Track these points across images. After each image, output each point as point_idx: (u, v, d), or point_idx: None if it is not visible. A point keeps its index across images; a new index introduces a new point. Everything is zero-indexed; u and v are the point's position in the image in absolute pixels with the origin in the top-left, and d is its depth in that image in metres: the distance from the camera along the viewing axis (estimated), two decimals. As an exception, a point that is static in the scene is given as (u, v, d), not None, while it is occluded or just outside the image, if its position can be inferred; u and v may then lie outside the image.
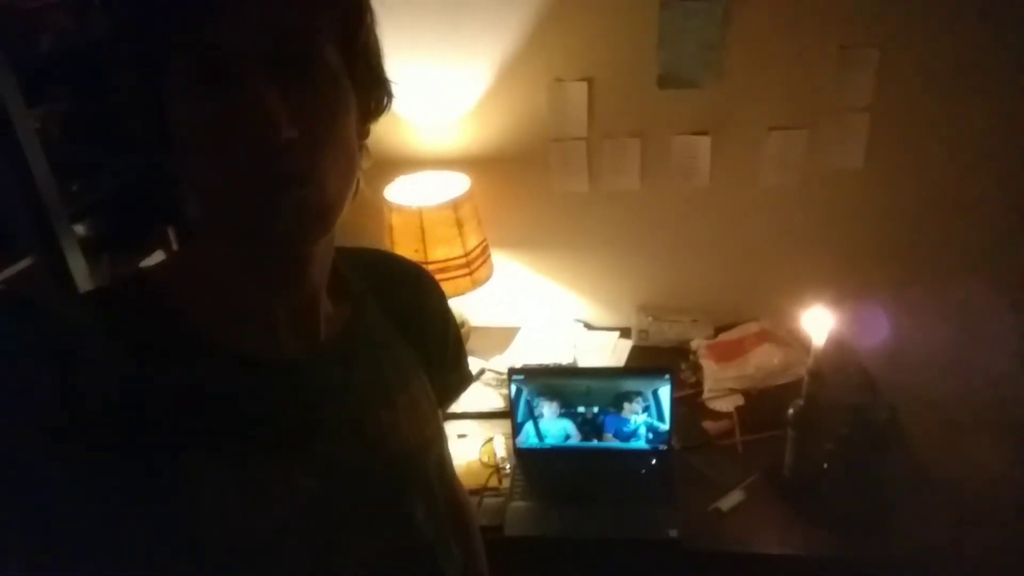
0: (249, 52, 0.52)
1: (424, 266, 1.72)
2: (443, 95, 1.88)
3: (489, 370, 1.90)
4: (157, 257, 1.89)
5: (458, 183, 1.85)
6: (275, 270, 0.63)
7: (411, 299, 0.82)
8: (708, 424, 1.64)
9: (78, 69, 0.55)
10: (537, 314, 2.10)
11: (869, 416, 1.39)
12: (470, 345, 2.01)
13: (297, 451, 0.63)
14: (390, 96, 0.66)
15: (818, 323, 1.32)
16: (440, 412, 0.86)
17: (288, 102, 0.52)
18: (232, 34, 0.51)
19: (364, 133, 0.65)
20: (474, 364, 1.91)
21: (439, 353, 0.85)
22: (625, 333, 2.01)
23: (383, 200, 1.81)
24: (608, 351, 1.95)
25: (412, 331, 0.80)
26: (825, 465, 1.41)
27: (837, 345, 1.36)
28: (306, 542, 0.63)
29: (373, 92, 0.64)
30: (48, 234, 1.59)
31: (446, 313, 0.88)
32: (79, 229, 1.74)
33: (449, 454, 0.91)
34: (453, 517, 0.85)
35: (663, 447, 1.53)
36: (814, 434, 1.40)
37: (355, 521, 0.67)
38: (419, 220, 1.75)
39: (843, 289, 1.63)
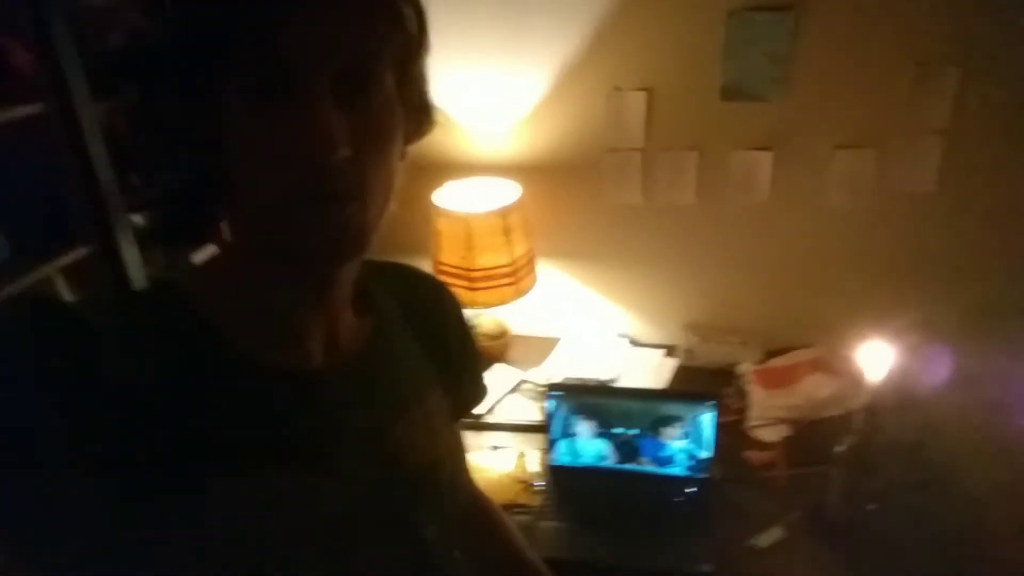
0: (316, 70, 0.53)
1: (470, 273, 1.74)
2: (498, 101, 1.86)
3: (527, 381, 1.87)
4: (209, 250, 1.93)
5: (508, 190, 1.82)
6: (307, 283, 0.64)
7: (432, 313, 0.83)
8: (751, 454, 1.57)
9: (145, 67, 0.55)
10: (580, 327, 2.05)
11: (925, 457, 1.31)
12: (509, 355, 1.99)
13: (319, 462, 0.63)
14: (433, 122, 0.68)
15: (877, 356, 1.25)
16: (455, 425, 0.87)
17: (346, 122, 0.54)
18: (301, 51, 0.52)
19: (403, 155, 0.65)
20: (512, 375, 1.89)
21: (458, 366, 0.85)
22: (670, 351, 1.95)
23: (431, 205, 1.80)
24: (651, 369, 1.89)
25: (432, 345, 0.80)
26: (872, 507, 1.34)
27: (895, 381, 1.27)
28: (322, 553, 0.63)
29: (418, 116, 0.66)
30: (104, 224, 1.64)
31: (465, 327, 0.89)
32: (138, 220, 1.79)
33: (466, 464, 0.91)
34: (473, 526, 0.89)
35: (702, 475, 1.47)
36: (863, 473, 1.32)
37: (370, 534, 0.67)
38: (466, 227, 1.74)
39: (907, 320, 1.54)
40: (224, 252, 0.65)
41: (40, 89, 1.49)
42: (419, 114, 0.65)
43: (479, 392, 0.93)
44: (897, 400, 1.35)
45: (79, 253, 1.61)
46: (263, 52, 0.52)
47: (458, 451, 0.89)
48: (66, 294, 1.61)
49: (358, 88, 0.56)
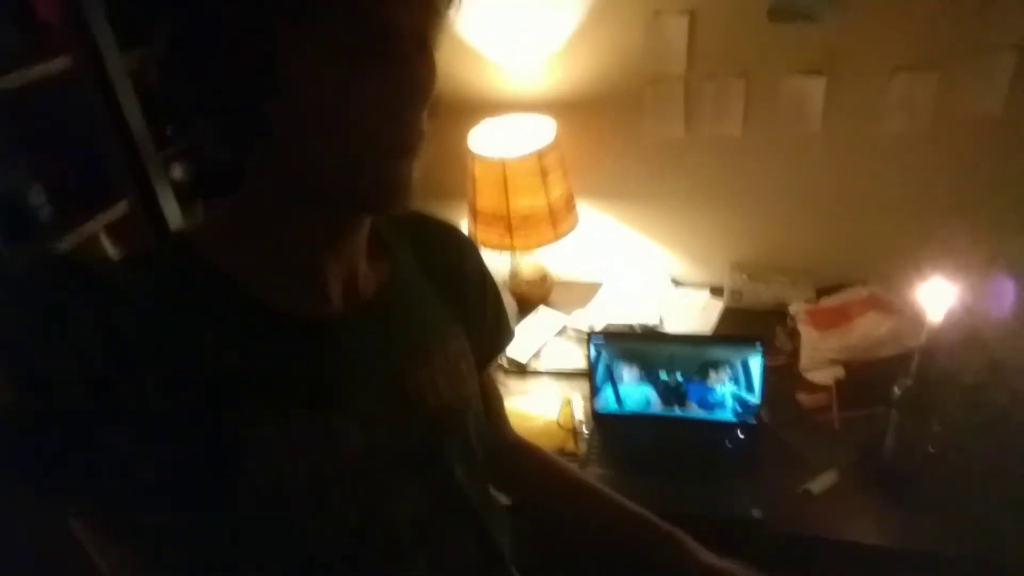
0: (416, 30, 0.54)
1: (507, 217, 1.69)
2: (531, 34, 1.77)
3: (571, 327, 1.84)
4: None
5: (544, 128, 1.75)
6: (331, 232, 0.65)
7: (449, 259, 0.83)
8: (803, 397, 1.52)
9: (179, 10, 0.53)
10: (623, 269, 2.00)
11: (987, 399, 1.25)
12: (551, 299, 1.95)
13: (338, 405, 0.64)
14: None
15: (936, 295, 1.18)
16: (488, 370, 0.91)
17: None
18: (402, 9, 0.53)
19: None
20: (555, 320, 1.86)
21: (479, 312, 0.86)
22: (717, 292, 1.89)
23: (466, 148, 1.75)
24: (697, 311, 1.84)
25: (450, 291, 0.81)
26: (932, 450, 1.29)
27: (957, 319, 1.20)
28: (349, 493, 0.64)
29: None
30: (142, 178, 1.64)
31: (484, 272, 0.89)
32: (176, 172, 1.78)
33: (502, 408, 0.97)
34: (518, 461, 0.93)
35: (751, 420, 1.44)
36: (922, 416, 1.27)
37: (396, 474, 0.68)
38: (502, 171, 1.69)
39: (970, 257, 1.44)
40: (240, 201, 0.64)
41: (67, 42, 1.47)
42: None
43: (504, 334, 0.94)
44: (959, 339, 1.28)
45: (120, 209, 1.61)
46: (359, 6, 0.52)
47: (491, 395, 0.92)
48: (111, 251, 1.62)
49: (425, 40, 0.56)
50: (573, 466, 0.99)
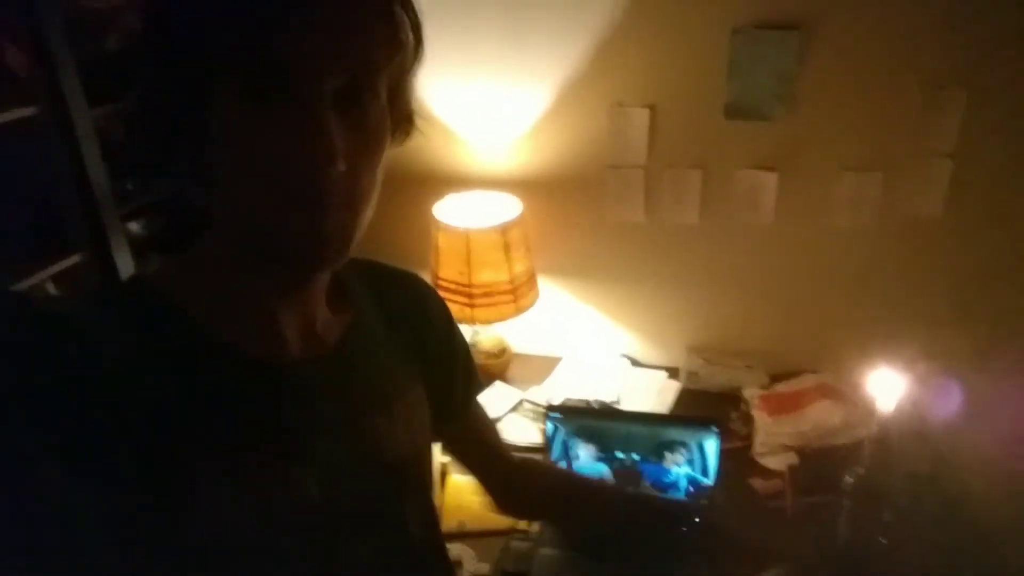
0: (320, 78, 0.52)
1: (469, 289, 1.70)
2: (500, 115, 1.84)
3: (527, 401, 1.83)
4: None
5: (509, 205, 1.79)
6: (285, 281, 0.65)
7: (411, 307, 0.82)
8: (756, 482, 1.52)
9: (140, 67, 0.55)
10: (581, 346, 2.01)
11: (937, 490, 1.27)
12: (509, 373, 1.94)
13: (297, 452, 0.63)
14: (413, 129, 0.68)
15: (886, 385, 1.21)
16: (473, 409, 0.91)
17: (343, 134, 0.54)
18: (305, 57, 0.52)
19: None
20: (512, 394, 1.85)
21: (449, 359, 0.86)
22: (673, 373, 1.91)
23: (431, 218, 1.77)
24: (654, 391, 1.85)
25: (413, 339, 0.80)
26: (883, 540, 1.29)
27: (907, 410, 1.23)
28: (304, 543, 0.63)
29: (403, 125, 0.66)
30: (99, 231, 1.61)
31: (449, 319, 0.88)
32: (134, 227, 1.76)
33: (498, 441, 0.97)
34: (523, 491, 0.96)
35: (705, 503, 1.42)
36: (874, 505, 1.28)
37: (351, 523, 0.67)
38: (466, 242, 1.70)
39: (916, 349, 1.50)
40: (199, 249, 0.65)
41: (35, 92, 1.46)
42: (404, 122, 0.66)
43: (473, 384, 0.92)
44: (908, 430, 1.31)
45: (72, 260, 1.57)
46: (264, 54, 0.51)
47: (487, 427, 0.95)
48: (54, 302, 1.57)
49: (356, 99, 0.55)
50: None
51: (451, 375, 0.85)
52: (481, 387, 0.94)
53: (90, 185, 1.57)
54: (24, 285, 1.48)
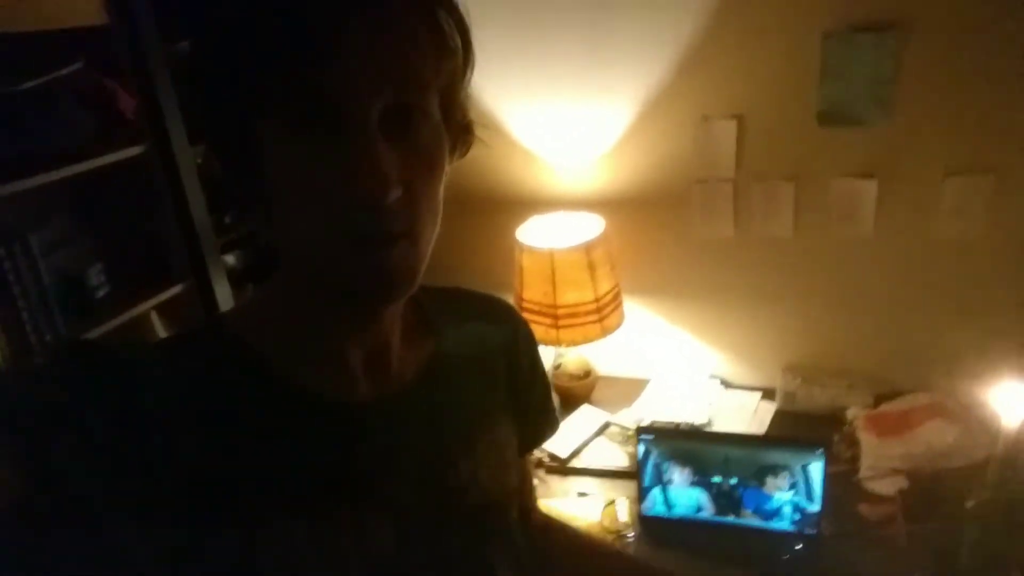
0: (365, 104, 0.50)
1: (554, 310, 1.69)
2: (582, 134, 1.82)
3: (614, 424, 1.79)
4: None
5: (592, 225, 1.77)
6: (353, 318, 0.62)
7: (498, 333, 0.78)
8: (864, 508, 1.42)
9: (201, 104, 0.56)
10: (670, 367, 1.96)
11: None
12: (594, 396, 1.91)
13: (370, 498, 0.60)
14: (473, 138, 0.64)
15: (1011, 399, 1.11)
16: (523, 460, 0.83)
17: (396, 158, 0.51)
18: (348, 83, 0.49)
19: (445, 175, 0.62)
20: (598, 417, 1.81)
21: (527, 395, 0.80)
22: (768, 395, 1.83)
23: (514, 240, 1.77)
24: (748, 414, 1.77)
25: (499, 370, 0.76)
26: (1017, 573, 1.18)
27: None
28: None
29: (461, 137, 0.62)
30: (199, 263, 1.68)
31: (535, 353, 0.84)
32: (229, 259, 1.84)
33: (534, 496, 0.90)
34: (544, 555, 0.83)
35: (811, 531, 1.34)
36: (1001, 531, 1.17)
37: (432, 574, 0.63)
38: (550, 262, 1.69)
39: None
40: (269, 285, 0.64)
41: (142, 132, 1.56)
42: (462, 134, 0.62)
43: (550, 423, 0.87)
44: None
45: (174, 290, 1.65)
46: (306, 83, 0.48)
47: (524, 476, 0.85)
48: (160, 329, 1.65)
49: (406, 119, 0.52)
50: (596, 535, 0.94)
51: (525, 415, 0.80)
52: (554, 430, 0.88)
53: (191, 219, 1.65)
54: (131, 315, 1.57)
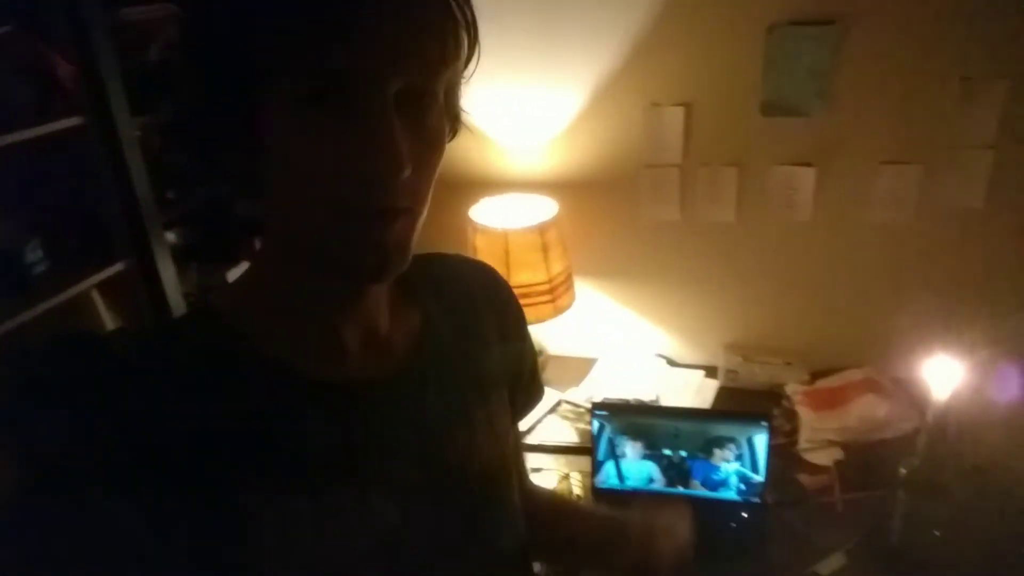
0: (384, 83, 0.50)
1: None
2: (535, 117, 1.84)
3: (566, 402, 1.83)
4: (243, 267, 1.91)
5: (545, 207, 1.79)
6: (345, 293, 0.61)
7: (485, 297, 0.77)
8: (804, 477, 1.51)
9: (184, 78, 0.53)
10: (617, 346, 2.01)
11: (995, 481, 1.25)
12: (546, 375, 1.94)
13: (372, 477, 0.60)
14: (459, 127, 0.65)
15: (942, 373, 1.20)
16: (516, 428, 0.83)
17: (407, 138, 0.51)
18: (370, 60, 0.49)
19: None
20: (550, 395, 1.84)
21: (517, 361, 0.79)
22: (711, 372, 1.90)
23: (468, 220, 1.77)
24: (692, 391, 1.84)
25: (491, 332, 0.75)
26: (938, 533, 1.28)
27: (963, 399, 1.22)
28: (386, 571, 0.60)
29: (453, 124, 0.63)
30: (142, 240, 1.63)
31: (521, 317, 0.82)
32: (171, 237, 1.78)
33: (525, 467, 0.90)
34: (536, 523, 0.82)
35: (756, 500, 1.42)
36: (929, 497, 1.26)
37: (437, 547, 0.64)
38: (504, 243, 1.71)
39: (971, 336, 1.48)
40: (257, 265, 0.63)
41: (81, 102, 1.49)
42: (454, 122, 0.63)
43: (538, 389, 0.86)
44: (967, 419, 1.29)
45: (116, 268, 1.59)
46: (324, 60, 0.48)
47: (516, 447, 0.85)
48: (102, 309, 1.59)
49: (418, 101, 0.53)
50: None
51: (518, 376, 0.79)
52: (540, 397, 0.87)
53: (134, 194, 1.59)
54: (70, 293, 1.50)
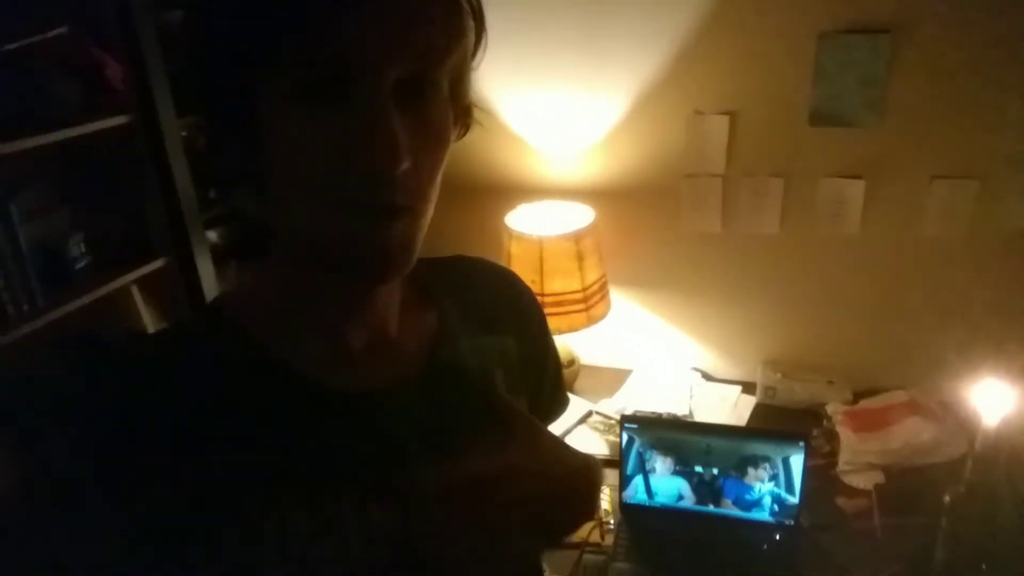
0: (381, 73, 0.48)
1: (541, 298, 1.68)
2: (575, 123, 1.82)
3: (597, 413, 1.79)
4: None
5: (582, 215, 1.77)
6: (352, 295, 0.60)
7: (506, 309, 0.74)
8: (842, 501, 1.45)
9: (202, 72, 0.53)
10: (652, 358, 1.97)
11: (1046, 515, 1.18)
12: (577, 385, 1.92)
13: (375, 488, 0.58)
14: (472, 122, 0.62)
15: (991, 398, 1.14)
16: None
17: (406, 130, 0.49)
18: (365, 50, 0.47)
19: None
20: (581, 406, 1.82)
21: (538, 371, 0.76)
22: (748, 388, 1.85)
23: (503, 226, 1.76)
24: (728, 406, 1.79)
25: (510, 347, 0.72)
26: (984, 566, 1.21)
27: (1014, 425, 1.16)
28: None
29: (463, 118, 0.60)
30: (182, 238, 1.65)
31: (543, 319, 0.79)
32: (211, 235, 1.80)
33: None
34: None
35: (790, 522, 1.37)
36: (975, 526, 1.20)
37: (441, 564, 0.60)
38: (539, 250, 1.69)
39: (1015, 361, 1.41)
40: (265, 265, 0.62)
41: (128, 102, 1.52)
42: (464, 115, 0.60)
43: (561, 401, 0.83)
44: (1016, 447, 1.23)
45: (156, 265, 1.62)
46: (319, 49, 0.46)
47: None
48: (141, 305, 1.62)
49: (418, 92, 0.51)
50: None
51: (539, 386, 0.76)
52: (564, 407, 0.84)
53: (176, 192, 1.62)
54: (110, 288, 1.53)
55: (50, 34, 1.46)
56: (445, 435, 0.63)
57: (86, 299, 1.47)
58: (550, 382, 0.79)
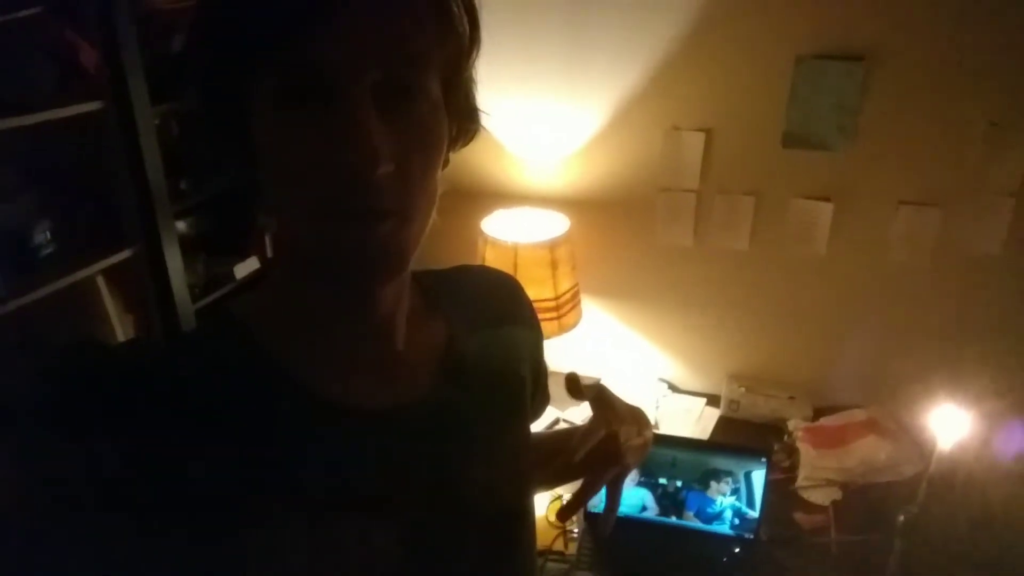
0: (357, 76, 0.47)
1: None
2: (553, 132, 1.83)
3: (564, 420, 1.81)
4: (251, 263, 1.91)
5: (556, 223, 1.78)
6: (348, 301, 0.58)
7: (506, 311, 0.73)
8: (800, 516, 1.49)
9: (189, 70, 0.52)
10: (620, 368, 1.99)
11: (997, 535, 1.23)
12: (548, 392, 1.93)
13: (377, 510, 0.57)
14: (478, 126, 0.60)
15: (948, 422, 1.18)
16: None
17: (388, 133, 0.48)
18: (340, 54, 0.47)
19: (445, 162, 0.58)
20: (549, 413, 1.82)
21: (538, 383, 0.76)
22: (713, 401, 1.88)
23: (479, 231, 1.76)
24: (692, 418, 1.82)
25: (524, 370, 0.71)
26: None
27: (968, 450, 1.20)
28: None
29: (464, 123, 0.59)
30: (151, 228, 1.62)
31: (539, 328, 0.78)
32: (181, 226, 1.77)
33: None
34: None
35: (749, 536, 1.40)
36: (927, 547, 1.24)
37: None
38: (513, 256, 1.70)
39: (983, 386, 1.45)
40: (274, 274, 0.61)
41: (101, 88, 1.49)
42: (465, 120, 0.58)
43: (545, 400, 0.84)
44: (970, 470, 1.27)
45: (123, 255, 1.58)
46: (298, 52, 0.46)
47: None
48: (106, 295, 1.58)
49: (402, 95, 0.50)
50: None
51: (533, 395, 0.75)
52: (546, 406, 0.84)
53: (147, 182, 1.59)
54: (76, 277, 1.50)
55: (23, 13, 1.42)
56: (451, 460, 0.61)
57: (50, 288, 1.43)
58: (541, 389, 0.81)
